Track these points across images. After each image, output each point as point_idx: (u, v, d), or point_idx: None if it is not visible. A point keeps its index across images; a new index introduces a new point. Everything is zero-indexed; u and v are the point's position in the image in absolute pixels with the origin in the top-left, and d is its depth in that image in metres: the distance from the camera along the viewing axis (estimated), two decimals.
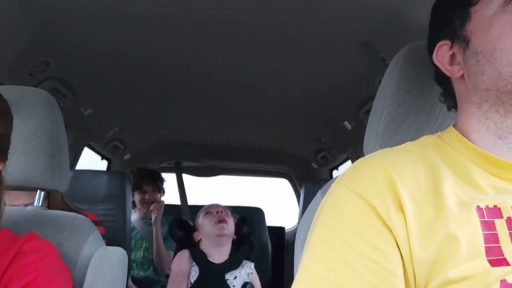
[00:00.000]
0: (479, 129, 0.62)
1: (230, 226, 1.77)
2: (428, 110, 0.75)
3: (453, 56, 0.64)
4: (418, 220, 0.53)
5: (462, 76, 0.63)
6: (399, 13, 1.24)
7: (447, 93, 0.69)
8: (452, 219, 0.53)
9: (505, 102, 0.58)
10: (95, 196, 2.19)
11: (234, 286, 1.69)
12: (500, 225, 0.53)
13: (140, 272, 2.45)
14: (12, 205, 1.46)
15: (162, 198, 2.70)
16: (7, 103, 0.80)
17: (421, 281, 0.52)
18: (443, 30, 0.66)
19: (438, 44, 0.66)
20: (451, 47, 0.64)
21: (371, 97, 0.90)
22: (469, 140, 0.62)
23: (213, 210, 1.79)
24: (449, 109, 0.71)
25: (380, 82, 0.82)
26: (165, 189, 2.71)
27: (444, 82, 0.69)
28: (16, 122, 0.92)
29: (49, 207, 1.60)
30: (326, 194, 0.61)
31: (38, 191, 1.02)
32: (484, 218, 0.53)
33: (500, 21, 0.58)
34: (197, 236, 1.80)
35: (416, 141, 0.66)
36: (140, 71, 1.80)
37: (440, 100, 0.72)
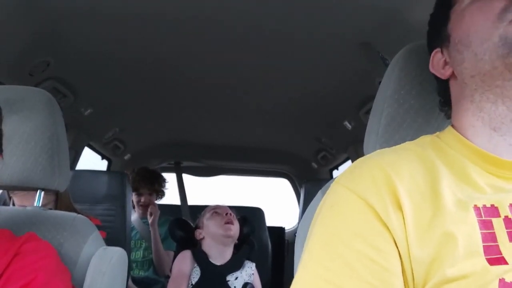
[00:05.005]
0: (475, 123, 0.62)
1: (236, 229, 1.77)
2: (428, 111, 0.75)
3: (445, 60, 0.67)
4: (416, 219, 0.54)
5: (453, 74, 0.66)
6: (399, 13, 1.24)
7: (447, 102, 0.70)
8: (449, 218, 0.53)
9: (491, 85, 0.59)
10: (95, 196, 2.19)
11: (235, 287, 1.69)
12: (498, 224, 0.53)
13: (140, 272, 2.45)
14: (22, 206, 1.48)
15: (163, 199, 2.71)
16: None
17: (419, 280, 0.52)
18: (434, 39, 0.70)
19: (432, 54, 0.69)
20: (442, 52, 0.68)
21: (371, 97, 0.90)
22: (466, 138, 0.63)
23: (221, 211, 1.79)
24: (448, 117, 0.72)
25: (380, 82, 0.82)
26: (165, 191, 2.71)
27: (443, 91, 0.70)
28: (16, 122, 0.92)
29: (56, 207, 1.61)
30: (325, 194, 0.62)
31: (38, 191, 1.02)
32: (482, 217, 0.53)
33: (470, 9, 0.62)
34: (199, 234, 1.79)
35: (415, 140, 0.67)
36: (140, 71, 1.80)
37: (439, 108, 0.73)
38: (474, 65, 0.60)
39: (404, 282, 0.52)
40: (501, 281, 0.48)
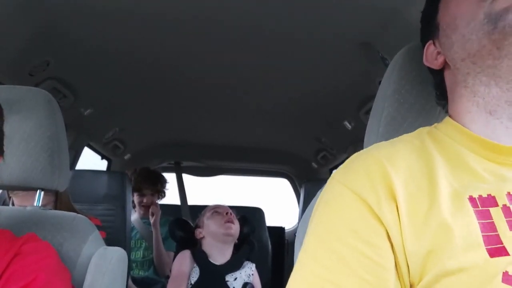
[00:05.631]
0: (471, 109, 0.62)
1: (237, 228, 1.78)
2: (428, 110, 0.75)
3: (438, 52, 0.68)
4: (412, 211, 0.53)
5: (446, 63, 0.66)
6: (399, 13, 1.24)
7: (444, 95, 0.70)
8: (445, 210, 0.52)
9: (482, 66, 0.59)
10: (95, 196, 2.19)
11: (234, 287, 1.69)
12: (496, 214, 0.52)
13: (140, 273, 2.45)
14: (22, 206, 1.48)
15: (163, 199, 2.71)
16: None
17: (416, 273, 0.51)
18: (426, 33, 0.71)
19: (425, 47, 0.70)
20: (434, 44, 0.68)
21: (371, 97, 0.90)
22: (464, 125, 0.62)
23: (221, 211, 1.80)
24: (446, 111, 0.72)
25: (380, 82, 0.82)
26: (166, 192, 2.71)
27: (439, 84, 0.70)
28: (16, 122, 0.92)
29: (56, 208, 1.61)
30: (322, 190, 0.61)
31: (38, 191, 1.02)
32: (478, 207, 0.53)
33: None
34: (199, 233, 1.79)
35: (413, 132, 0.67)
36: (140, 71, 1.80)
37: (435, 102, 0.73)
38: (463, 47, 0.60)
39: (399, 276, 0.52)
40: (505, 274, 0.47)
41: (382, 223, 0.53)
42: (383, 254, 0.52)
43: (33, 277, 0.72)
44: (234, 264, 1.75)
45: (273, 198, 4.32)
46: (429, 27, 0.69)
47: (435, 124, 0.68)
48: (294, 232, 3.50)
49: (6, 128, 0.80)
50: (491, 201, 0.53)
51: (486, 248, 0.49)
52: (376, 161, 0.58)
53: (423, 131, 0.66)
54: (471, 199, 0.53)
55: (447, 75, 0.68)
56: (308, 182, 2.65)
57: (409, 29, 1.23)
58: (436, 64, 0.68)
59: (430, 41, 0.69)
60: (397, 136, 0.74)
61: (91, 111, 2.06)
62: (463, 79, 0.63)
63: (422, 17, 0.73)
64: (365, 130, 0.83)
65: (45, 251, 0.79)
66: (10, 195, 1.60)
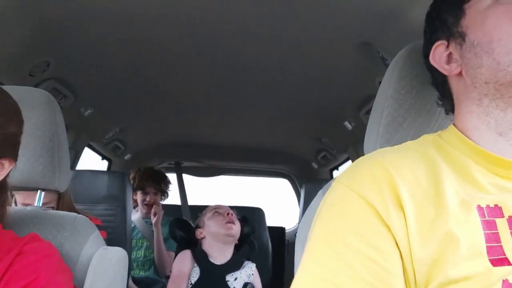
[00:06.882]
0: (480, 127, 0.61)
1: (238, 228, 1.78)
2: (428, 110, 0.75)
3: (450, 55, 0.65)
4: (418, 219, 0.53)
5: (460, 73, 0.63)
6: (399, 13, 1.24)
7: (444, 96, 0.69)
8: (452, 218, 0.52)
9: (505, 95, 0.58)
10: (96, 196, 2.19)
11: (234, 287, 1.69)
12: (501, 225, 0.52)
13: (141, 273, 2.45)
14: (24, 204, 1.48)
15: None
16: (18, 106, 0.80)
17: (421, 280, 0.51)
18: (439, 30, 0.67)
19: (435, 45, 0.66)
20: (448, 46, 0.65)
21: (371, 97, 0.90)
22: (470, 139, 0.61)
23: (223, 211, 1.80)
24: (446, 112, 0.71)
25: (380, 82, 0.82)
26: (169, 192, 2.71)
27: (441, 84, 0.69)
28: None
29: (58, 207, 1.62)
30: (326, 193, 0.61)
31: (39, 191, 1.02)
32: (485, 217, 0.53)
33: (495, 12, 0.58)
34: (200, 233, 1.79)
35: (417, 140, 0.66)
36: (141, 71, 1.80)
37: (437, 104, 0.72)
38: (494, 74, 0.58)
39: (405, 282, 0.52)
40: (505, 282, 0.48)
41: (389, 230, 0.53)
42: (389, 259, 0.52)
43: (34, 276, 0.72)
44: (234, 264, 1.75)
45: (273, 198, 4.32)
46: (446, 28, 0.65)
47: (439, 132, 0.67)
48: (294, 232, 3.50)
49: None
50: (497, 211, 0.53)
51: (489, 259, 0.50)
52: (382, 168, 0.57)
53: (427, 138, 0.65)
54: (479, 208, 0.53)
55: (456, 83, 0.65)
56: (309, 182, 2.66)
57: (409, 29, 1.23)
58: (448, 71, 0.65)
59: (443, 42, 0.65)
60: (398, 136, 0.74)
61: (91, 111, 2.06)
62: (478, 97, 0.61)
63: (435, 8, 0.69)
64: (365, 130, 0.83)
65: (47, 250, 0.79)
66: (13, 193, 1.60)
